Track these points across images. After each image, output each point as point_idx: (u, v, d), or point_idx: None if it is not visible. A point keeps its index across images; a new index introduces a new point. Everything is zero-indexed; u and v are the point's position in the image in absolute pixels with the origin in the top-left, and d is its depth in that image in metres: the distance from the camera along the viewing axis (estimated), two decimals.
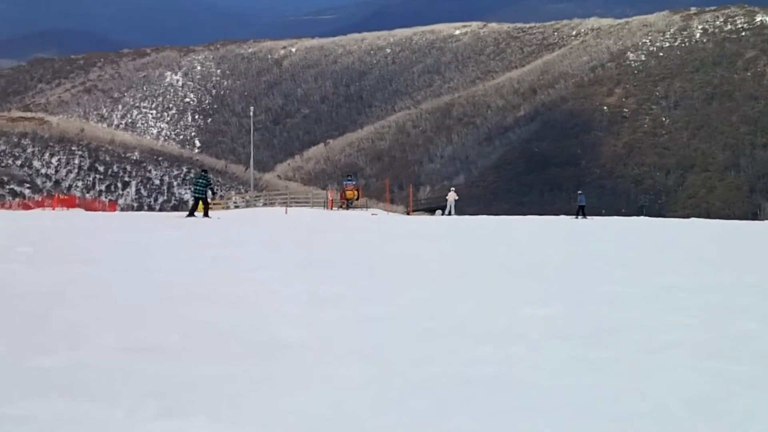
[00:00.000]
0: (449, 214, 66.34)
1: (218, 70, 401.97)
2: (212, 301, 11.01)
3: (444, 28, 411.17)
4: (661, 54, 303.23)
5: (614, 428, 5.92)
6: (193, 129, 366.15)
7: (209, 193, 43.54)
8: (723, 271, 17.27)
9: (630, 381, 7.13)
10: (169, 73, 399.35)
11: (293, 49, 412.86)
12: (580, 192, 66.94)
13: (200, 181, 43.53)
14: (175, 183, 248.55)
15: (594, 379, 7.17)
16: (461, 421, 5.97)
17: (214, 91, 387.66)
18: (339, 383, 6.84)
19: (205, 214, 42.47)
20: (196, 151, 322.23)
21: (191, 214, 42.44)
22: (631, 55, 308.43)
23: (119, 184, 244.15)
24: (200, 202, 43.43)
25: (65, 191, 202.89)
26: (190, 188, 51.11)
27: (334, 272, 15.38)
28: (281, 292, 12.09)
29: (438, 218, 57.65)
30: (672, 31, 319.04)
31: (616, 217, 52.36)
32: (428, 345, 8.44)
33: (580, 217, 59.01)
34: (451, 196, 69.19)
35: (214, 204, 67.21)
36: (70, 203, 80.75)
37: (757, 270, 17.42)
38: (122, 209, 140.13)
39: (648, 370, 7.52)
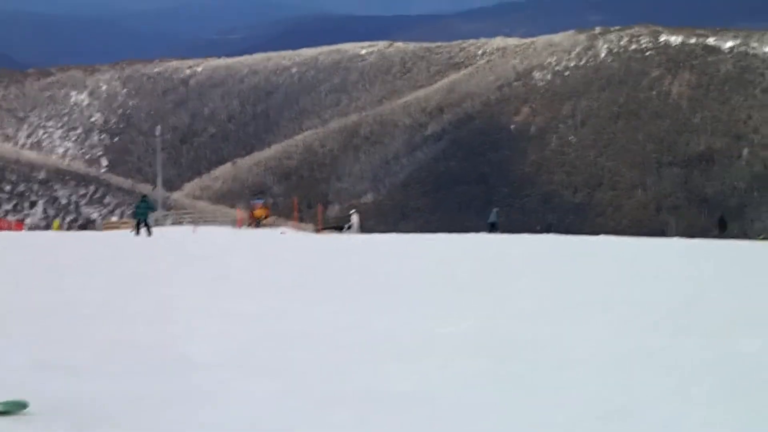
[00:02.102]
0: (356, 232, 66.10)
1: (124, 90, 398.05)
2: (123, 318, 10.92)
3: (350, 48, 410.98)
4: (567, 73, 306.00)
5: None
6: (100, 148, 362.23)
7: (150, 214, 49.26)
8: (633, 286, 17.43)
9: (543, 396, 7.14)
10: (74, 92, 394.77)
11: (199, 69, 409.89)
12: (496, 209, 67.51)
13: (141, 204, 48.26)
14: (82, 202, 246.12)
15: (507, 394, 7.18)
16: None
17: (120, 111, 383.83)
18: (253, 400, 6.79)
19: (149, 233, 46.18)
20: (103, 170, 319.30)
21: (137, 233, 46.49)
22: (537, 75, 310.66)
23: (26, 204, 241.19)
24: (141, 223, 47.19)
25: None
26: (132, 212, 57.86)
27: (246, 289, 15.33)
28: (193, 309, 12.01)
29: (348, 236, 57.71)
30: (577, 50, 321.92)
31: (525, 235, 52.59)
32: (341, 361, 8.43)
33: (493, 233, 59.31)
34: (355, 219, 69.30)
35: (122, 223, 70.95)
36: None
37: (666, 285, 17.62)
38: (29, 229, 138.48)
39: (561, 385, 7.54)
